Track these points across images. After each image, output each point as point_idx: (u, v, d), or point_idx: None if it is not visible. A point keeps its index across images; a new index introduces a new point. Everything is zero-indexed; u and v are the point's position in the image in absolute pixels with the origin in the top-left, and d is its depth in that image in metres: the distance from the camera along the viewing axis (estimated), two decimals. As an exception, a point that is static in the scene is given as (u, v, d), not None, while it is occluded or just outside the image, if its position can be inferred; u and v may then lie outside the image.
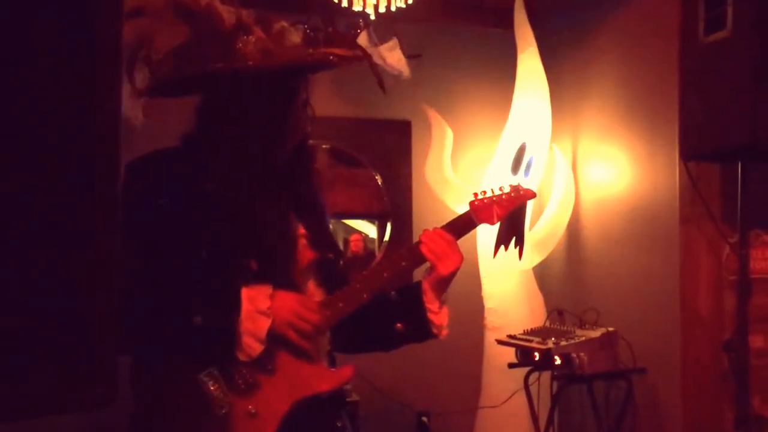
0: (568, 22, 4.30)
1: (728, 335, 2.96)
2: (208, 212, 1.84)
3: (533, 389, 3.78)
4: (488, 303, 4.10)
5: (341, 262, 2.16)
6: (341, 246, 4.15)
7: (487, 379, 4.12)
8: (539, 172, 4.13)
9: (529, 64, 4.11)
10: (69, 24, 0.93)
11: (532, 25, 4.12)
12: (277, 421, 1.85)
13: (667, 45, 3.28)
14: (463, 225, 2.10)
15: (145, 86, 1.83)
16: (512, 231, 4.12)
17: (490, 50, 4.57)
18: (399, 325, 2.08)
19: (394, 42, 2.02)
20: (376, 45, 2.01)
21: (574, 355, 3.36)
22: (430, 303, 2.06)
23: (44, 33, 0.91)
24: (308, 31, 1.92)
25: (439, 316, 2.08)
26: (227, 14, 1.85)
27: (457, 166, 4.37)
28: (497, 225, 4.01)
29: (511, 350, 3.61)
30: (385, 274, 2.02)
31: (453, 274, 2.05)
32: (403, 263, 2.05)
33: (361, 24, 1.99)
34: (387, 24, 3.91)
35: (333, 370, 2.03)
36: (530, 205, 4.13)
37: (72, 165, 0.94)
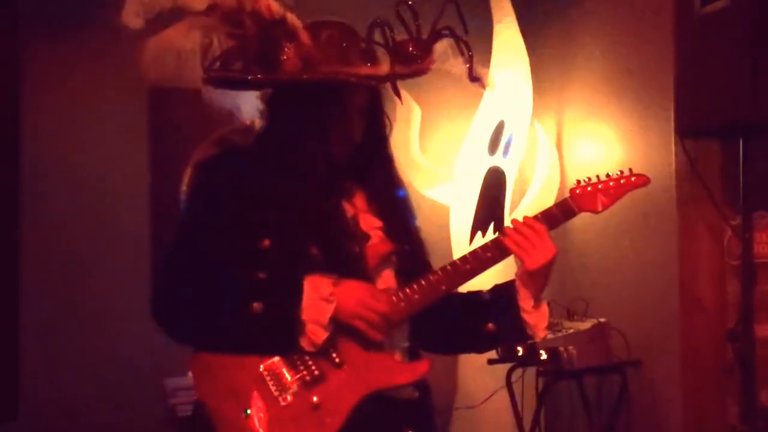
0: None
1: (732, 324, 3.01)
2: (269, 205, 1.95)
3: (516, 387, 3.79)
4: (464, 294, 4.13)
5: (424, 255, 2.17)
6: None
7: (463, 377, 4.14)
8: (520, 151, 4.15)
9: (507, 36, 4.10)
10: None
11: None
12: (344, 414, 1.90)
13: (661, 15, 3.33)
14: (560, 213, 2.05)
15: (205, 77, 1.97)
16: (490, 215, 4.19)
17: (466, 22, 4.57)
18: (490, 325, 2.08)
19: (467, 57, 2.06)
20: (454, 57, 2.04)
21: (561, 348, 3.38)
22: (524, 301, 2.04)
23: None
24: (367, 46, 1.97)
25: (534, 315, 2.05)
26: (275, 14, 1.95)
27: (426, 146, 4.36)
28: (473, 207, 4.12)
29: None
30: (467, 266, 2.02)
31: (546, 269, 2.01)
32: (488, 254, 2.03)
33: (447, 34, 2.01)
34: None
35: (405, 364, 2.03)
36: (510, 186, 4.23)
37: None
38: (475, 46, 4.34)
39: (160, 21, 1.95)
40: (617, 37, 3.83)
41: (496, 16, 4.14)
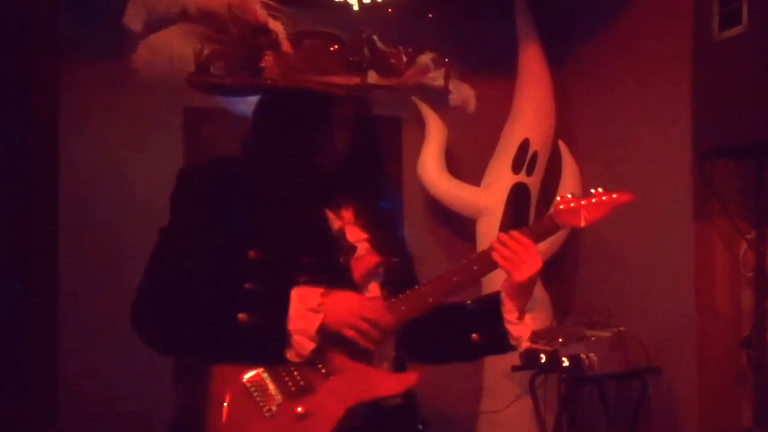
0: (575, 14, 4.47)
1: (746, 332, 3.17)
2: (255, 215, 1.94)
3: (539, 393, 3.92)
4: (489, 304, 4.24)
5: (410, 267, 2.18)
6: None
7: (488, 383, 4.25)
8: (543, 169, 4.30)
9: (532, 57, 4.27)
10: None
11: (535, 15, 4.28)
12: (330, 426, 1.87)
13: (680, 40, 3.45)
14: (545, 228, 2.09)
15: (187, 80, 1.99)
16: (516, 228, 4.32)
17: (490, 42, 4.68)
18: (475, 336, 2.09)
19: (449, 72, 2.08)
20: (435, 70, 2.05)
21: (583, 356, 3.49)
22: (508, 313, 2.07)
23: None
24: (350, 57, 1.96)
25: (518, 327, 2.08)
26: (260, 21, 1.95)
27: (453, 163, 4.47)
28: (498, 223, 4.25)
29: (515, 352, 3.76)
30: (454, 279, 2.02)
31: (530, 282, 2.04)
32: (475, 267, 2.05)
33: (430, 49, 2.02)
34: (376, 12, 4.06)
35: (395, 375, 2.02)
36: (533, 202, 4.37)
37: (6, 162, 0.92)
38: (501, 65, 4.49)
39: (163, 25, 1.97)
40: (638, 59, 3.97)
41: (521, 35, 4.31)
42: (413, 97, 4.31)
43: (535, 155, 4.28)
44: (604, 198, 2.10)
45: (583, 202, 2.09)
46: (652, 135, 3.84)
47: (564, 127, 4.38)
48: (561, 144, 4.39)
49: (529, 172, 4.29)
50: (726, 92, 3.10)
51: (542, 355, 3.65)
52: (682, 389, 3.53)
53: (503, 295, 2.08)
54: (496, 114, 4.43)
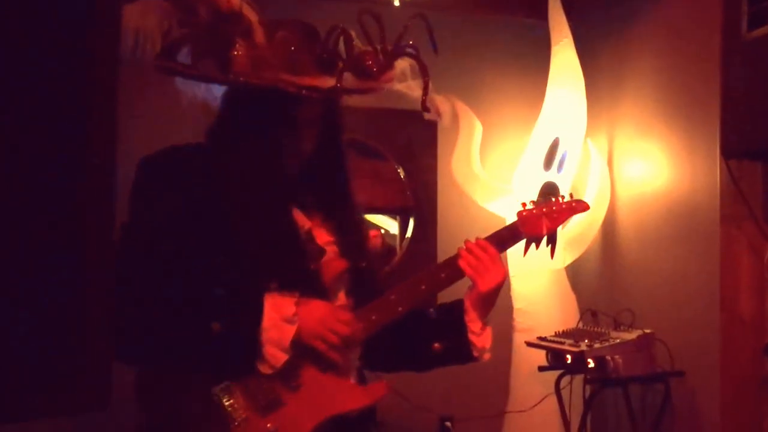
0: (605, 14, 4.47)
1: (770, 338, 3.16)
2: (223, 216, 1.83)
3: (564, 393, 3.94)
4: (517, 303, 4.27)
5: (376, 272, 2.17)
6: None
7: (515, 383, 4.28)
8: (573, 168, 4.29)
9: (564, 57, 4.28)
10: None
11: (567, 16, 4.27)
12: None
13: (709, 39, 3.44)
14: (508, 237, 2.09)
15: (154, 64, 1.86)
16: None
17: (523, 41, 4.71)
18: (437, 345, 2.06)
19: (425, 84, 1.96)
20: (413, 78, 1.98)
21: (608, 357, 3.48)
22: (472, 322, 2.04)
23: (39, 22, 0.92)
24: (324, 54, 1.88)
25: (481, 337, 2.05)
26: (233, 7, 1.83)
27: (486, 161, 4.52)
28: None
29: (541, 353, 3.77)
30: (422, 287, 1.99)
31: (495, 291, 2.02)
32: (442, 275, 2.02)
33: (411, 53, 1.91)
34: (414, 12, 4.10)
35: (363, 387, 2.00)
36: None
37: (63, 157, 0.95)
38: (534, 65, 4.52)
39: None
40: (666, 59, 3.97)
41: (554, 37, 4.33)
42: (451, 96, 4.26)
43: (565, 154, 4.29)
44: (564, 206, 2.13)
45: (544, 209, 2.11)
46: (680, 136, 3.83)
47: (593, 127, 4.37)
48: (590, 143, 4.39)
49: (559, 171, 4.30)
50: (755, 93, 3.08)
51: (568, 356, 3.65)
52: (705, 395, 3.53)
53: (467, 304, 2.05)
54: (528, 112, 4.49)
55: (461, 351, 2.06)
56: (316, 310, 1.87)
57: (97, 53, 1.00)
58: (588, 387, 3.84)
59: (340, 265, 1.99)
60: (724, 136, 3.23)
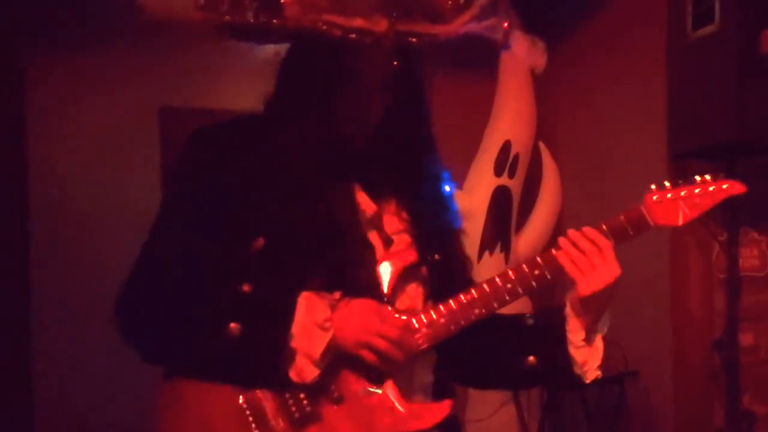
0: (553, 14, 4.48)
1: (718, 334, 3.20)
2: (269, 193, 1.59)
3: (522, 400, 3.96)
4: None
5: (462, 269, 1.81)
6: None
7: (472, 391, 4.14)
8: (524, 171, 4.30)
9: (513, 57, 4.23)
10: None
11: (517, 15, 4.31)
12: None
13: (655, 39, 3.49)
14: (630, 225, 1.69)
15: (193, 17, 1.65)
16: (498, 234, 4.33)
17: (470, 44, 4.72)
18: (531, 358, 1.69)
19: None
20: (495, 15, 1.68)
21: None
22: (573, 333, 1.66)
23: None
24: None
25: (584, 351, 1.66)
26: None
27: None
28: (481, 227, 4.26)
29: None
30: (508, 287, 1.63)
31: (604, 295, 1.64)
32: (536, 272, 1.64)
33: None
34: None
35: (422, 405, 1.65)
36: (517, 204, 4.38)
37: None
38: (481, 67, 4.49)
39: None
40: (614, 61, 4.01)
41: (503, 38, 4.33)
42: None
43: (516, 157, 4.28)
44: (711, 188, 1.68)
45: (683, 193, 1.68)
46: (629, 135, 3.89)
47: (543, 128, 4.40)
48: (541, 145, 4.41)
49: (511, 175, 4.29)
50: (700, 92, 3.13)
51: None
52: (659, 393, 3.58)
53: (568, 309, 1.67)
54: (477, 115, 4.43)
55: (559, 368, 1.68)
56: (358, 312, 1.56)
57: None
58: (545, 392, 3.88)
59: (410, 257, 1.66)
60: (671, 135, 3.28)
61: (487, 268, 3.94)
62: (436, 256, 1.70)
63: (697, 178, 1.68)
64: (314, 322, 1.52)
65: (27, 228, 3.87)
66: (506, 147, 4.26)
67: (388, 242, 1.66)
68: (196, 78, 4.09)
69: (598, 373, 1.71)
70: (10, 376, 3.60)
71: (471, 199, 4.27)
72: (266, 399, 1.56)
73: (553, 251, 1.65)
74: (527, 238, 4.27)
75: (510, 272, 1.65)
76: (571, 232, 1.65)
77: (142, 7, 1.80)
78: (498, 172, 4.27)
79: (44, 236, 3.96)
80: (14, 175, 3.78)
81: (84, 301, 3.77)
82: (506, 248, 4.17)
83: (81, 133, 4.10)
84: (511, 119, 4.28)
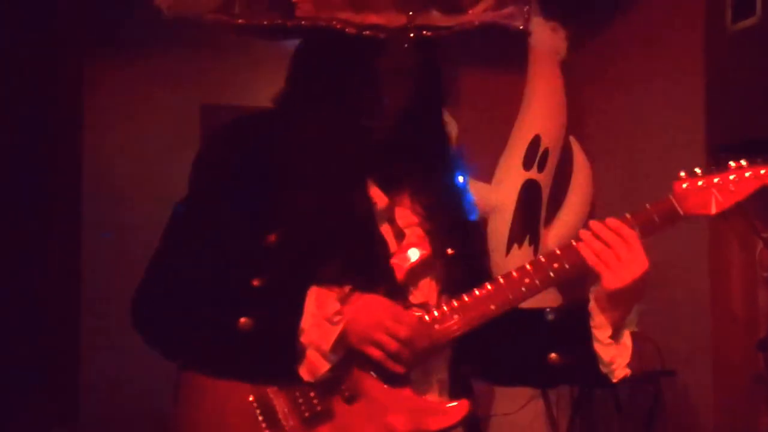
0: (586, 7, 4.42)
1: (763, 334, 3.13)
2: (283, 188, 1.58)
3: (552, 396, 3.89)
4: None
5: (481, 263, 1.75)
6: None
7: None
8: (554, 165, 4.25)
9: (542, 51, 4.18)
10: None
11: (546, 10, 4.26)
12: None
13: (692, 32, 3.44)
14: (658, 214, 1.59)
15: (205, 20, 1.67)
16: (527, 227, 4.29)
17: (500, 37, 4.67)
18: (554, 355, 1.61)
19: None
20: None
21: None
22: (598, 330, 1.57)
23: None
24: None
25: (611, 349, 1.57)
26: None
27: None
28: (510, 220, 4.22)
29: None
30: (526, 281, 1.56)
31: (631, 290, 1.53)
32: (555, 265, 1.57)
33: None
34: None
35: (440, 403, 1.60)
36: (545, 200, 4.35)
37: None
38: (512, 60, 4.46)
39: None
40: (651, 54, 3.94)
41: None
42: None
43: (546, 151, 4.23)
44: (747, 174, 1.61)
45: (717, 180, 1.59)
46: (665, 129, 3.82)
47: (575, 122, 4.35)
48: (572, 139, 4.35)
49: (540, 169, 4.25)
50: (739, 84, 3.08)
51: (553, 356, 3.62)
52: (698, 393, 3.51)
53: (593, 304, 1.58)
54: (506, 109, 4.40)
55: (583, 366, 1.60)
56: (368, 307, 1.52)
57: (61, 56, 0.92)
58: (576, 389, 3.81)
59: (425, 250, 1.62)
60: (710, 129, 3.23)
61: (516, 261, 3.89)
62: (450, 250, 1.66)
63: (732, 164, 1.60)
64: (324, 316, 1.50)
65: (80, 216, 4.06)
66: (535, 141, 4.22)
67: (400, 235, 1.64)
68: (235, 76, 4.30)
69: (628, 371, 1.62)
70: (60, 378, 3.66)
71: (499, 192, 4.28)
72: (276, 397, 1.55)
73: (573, 242, 1.58)
74: (557, 232, 4.23)
75: (528, 265, 1.59)
76: (593, 223, 1.58)
77: (159, 8, 1.83)
78: (527, 166, 4.23)
79: (94, 222, 4.10)
80: (70, 167, 4.00)
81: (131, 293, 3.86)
82: (535, 241, 4.16)
83: (131, 129, 4.29)
84: (540, 114, 4.24)
